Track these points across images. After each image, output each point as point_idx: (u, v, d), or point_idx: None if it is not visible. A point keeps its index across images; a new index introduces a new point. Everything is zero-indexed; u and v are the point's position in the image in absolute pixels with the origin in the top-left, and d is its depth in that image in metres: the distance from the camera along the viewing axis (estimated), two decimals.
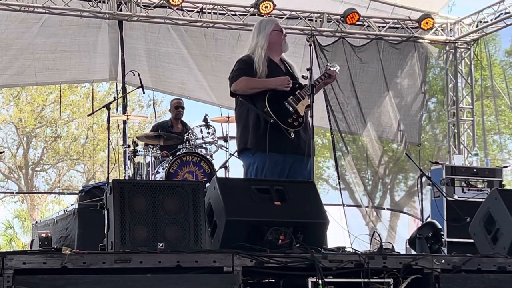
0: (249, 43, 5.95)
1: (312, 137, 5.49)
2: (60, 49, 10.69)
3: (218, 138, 8.97)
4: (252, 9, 10.70)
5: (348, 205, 11.53)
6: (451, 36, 11.88)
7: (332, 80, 5.97)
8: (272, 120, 5.58)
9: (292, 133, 5.60)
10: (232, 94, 5.82)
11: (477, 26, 11.62)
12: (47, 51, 10.65)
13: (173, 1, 10.22)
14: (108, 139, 8.46)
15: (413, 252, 5.91)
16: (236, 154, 8.95)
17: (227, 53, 11.17)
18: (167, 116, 10.10)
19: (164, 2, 10.31)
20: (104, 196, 4.94)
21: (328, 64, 6.06)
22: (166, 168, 8.40)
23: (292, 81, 5.75)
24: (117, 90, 11.34)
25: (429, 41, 11.90)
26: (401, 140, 11.80)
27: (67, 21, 10.50)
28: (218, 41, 11.10)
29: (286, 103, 5.66)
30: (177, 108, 9.65)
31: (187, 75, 11.27)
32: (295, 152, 5.61)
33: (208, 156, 8.69)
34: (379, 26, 11.40)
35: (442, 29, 11.87)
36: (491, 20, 11.35)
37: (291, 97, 5.69)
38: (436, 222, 6.23)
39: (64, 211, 8.40)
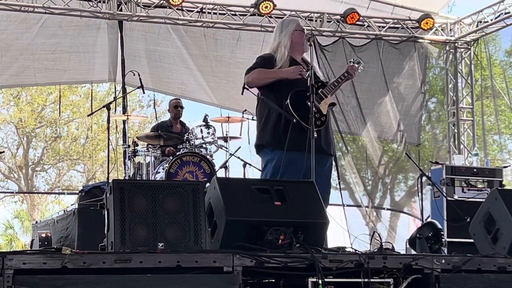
0: (270, 42, 5.98)
1: (312, 137, 5.48)
2: (60, 49, 10.69)
3: (218, 138, 8.97)
4: (252, 9, 10.71)
5: (348, 205, 11.53)
6: (451, 36, 11.88)
7: (352, 77, 5.97)
8: (294, 120, 5.58)
9: (315, 133, 5.60)
10: (263, 93, 5.80)
11: (477, 26, 11.62)
12: (46, 52, 10.65)
13: (173, 1, 10.22)
14: (108, 139, 8.47)
15: (413, 252, 5.92)
16: (235, 152, 9.06)
17: (227, 54, 11.18)
18: (167, 116, 10.10)
19: (164, 2, 10.31)
20: (104, 196, 4.94)
21: (352, 60, 6.07)
22: (166, 168, 8.40)
23: (315, 80, 5.76)
24: (115, 91, 11.34)
25: (429, 41, 11.90)
26: (400, 140, 11.80)
27: (66, 22, 10.50)
28: (218, 42, 11.10)
29: (309, 103, 5.66)
30: (176, 107, 9.64)
31: (187, 76, 11.28)
32: (317, 151, 5.61)
33: (208, 156, 8.68)
34: (379, 26, 11.41)
35: (442, 29, 11.87)
36: (491, 20, 11.35)
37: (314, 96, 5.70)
38: (436, 222, 6.23)
39: (64, 211, 8.41)
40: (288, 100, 5.64)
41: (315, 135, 5.53)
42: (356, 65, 5.98)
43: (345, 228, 10.31)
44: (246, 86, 5.87)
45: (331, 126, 5.98)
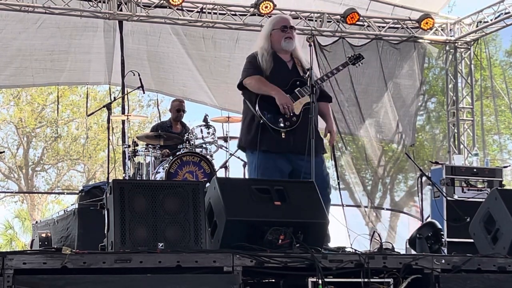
0: (257, 41, 6.00)
1: (312, 137, 5.45)
2: (58, 50, 10.69)
3: (218, 138, 8.98)
4: (252, 9, 10.70)
5: (348, 205, 11.53)
6: (451, 36, 11.88)
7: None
8: (261, 121, 5.57)
9: (283, 133, 5.56)
10: (240, 87, 5.82)
11: (477, 26, 11.62)
12: (44, 53, 10.64)
13: (173, 1, 10.22)
14: (108, 139, 8.48)
15: (413, 252, 5.91)
16: (235, 153, 9.07)
17: (225, 55, 11.18)
18: (167, 116, 10.10)
19: (164, 2, 10.31)
20: (104, 196, 4.95)
21: (350, 57, 6.07)
22: (166, 168, 8.40)
23: (295, 78, 5.71)
24: (110, 94, 11.33)
25: (429, 41, 11.90)
26: (399, 140, 11.80)
27: (64, 22, 10.49)
28: (217, 43, 11.10)
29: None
30: (179, 111, 9.64)
31: (188, 78, 11.30)
32: (292, 151, 5.56)
33: (208, 156, 8.69)
34: (379, 26, 11.40)
35: (442, 29, 11.87)
36: (491, 20, 11.35)
37: (288, 95, 5.64)
38: (436, 222, 6.22)
39: (64, 211, 8.41)
40: (258, 100, 5.62)
41: (283, 136, 5.50)
42: (350, 63, 5.98)
43: (346, 227, 10.30)
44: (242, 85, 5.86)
45: (315, 125, 5.80)
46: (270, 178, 5.37)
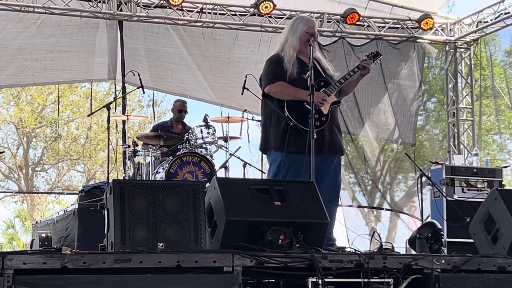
0: (279, 40, 5.94)
1: (312, 137, 5.45)
2: (58, 49, 10.67)
3: (218, 138, 8.97)
4: (252, 9, 10.71)
5: (347, 205, 11.54)
6: (451, 36, 11.88)
7: (368, 72, 5.86)
8: (291, 124, 5.57)
9: (314, 134, 5.53)
10: (265, 94, 5.82)
11: (477, 26, 11.62)
12: (45, 51, 10.62)
13: (173, 1, 10.22)
14: (108, 139, 8.48)
15: (413, 252, 5.92)
16: (235, 152, 9.06)
17: (225, 53, 11.17)
18: (167, 116, 10.10)
19: (164, 2, 10.31)
20: (104, 196, 4.95)
21: (368, 54, 6.01)
22: (166, 168, 8.40)
23: (319, 79, 5.70)
24: (115, 90, 11.33)
25: (429, 41, 11.90)
26: (397, 140, 11.80)
27: (65, 21, 10.48)
28: (216, 41, 11.09)
29: (306, 104, 5.58)
30: (181, 112, 9.62)
31: (187, 75, 11.27)
32: (320, 151, 5.56)
33: (208, 156, 8.68)
34: (379, 26, 11.40)
35: (442, 29, 11.87)
36: (491, 20, 11.35)
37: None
38: (436, 222, 6.23)
39: (64, 211, 8.41)
40: (286, 103, 5.64)
41: (315, 136, 5.49)
42: (369, 59, 5.88)
43: (347, 227, 10.32)
44: (265, 93, 5.84)
45: (338, 125, 5.89)
46: (296, 179, 5.38)
